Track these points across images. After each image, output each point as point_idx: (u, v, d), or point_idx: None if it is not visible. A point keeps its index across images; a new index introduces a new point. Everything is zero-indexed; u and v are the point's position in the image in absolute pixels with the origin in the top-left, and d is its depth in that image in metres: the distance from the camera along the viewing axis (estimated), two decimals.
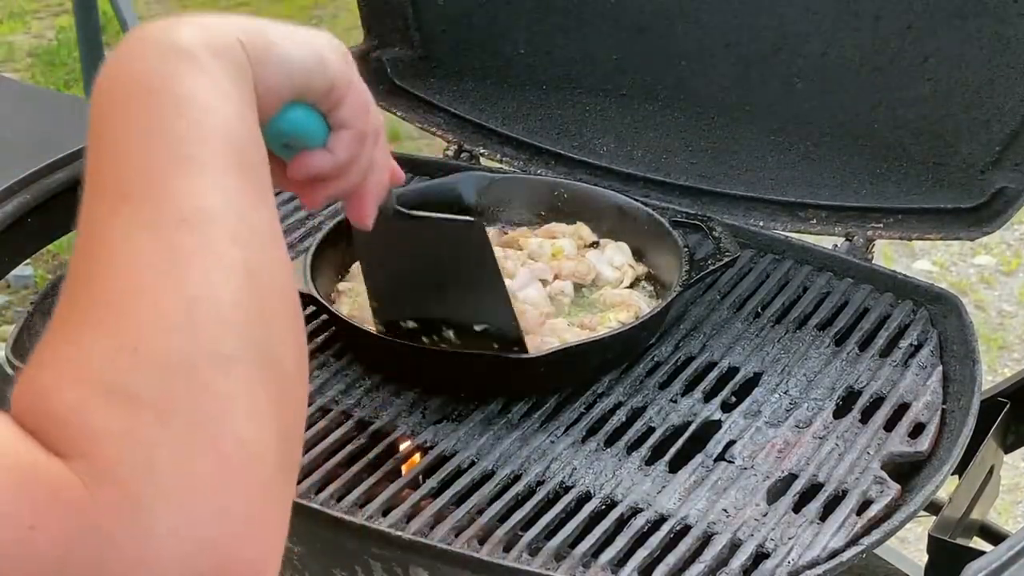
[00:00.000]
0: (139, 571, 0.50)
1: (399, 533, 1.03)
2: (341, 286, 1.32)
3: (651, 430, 1.18)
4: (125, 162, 0.62)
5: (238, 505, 0.53)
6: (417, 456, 1.16)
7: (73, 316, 0.58)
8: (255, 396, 0.56)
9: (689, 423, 1.19)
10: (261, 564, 0.54)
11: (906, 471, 1.15)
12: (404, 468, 1.16)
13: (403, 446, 1.18)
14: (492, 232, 1.42)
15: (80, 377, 0.54)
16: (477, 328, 1.16)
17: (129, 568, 0.50)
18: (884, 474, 1.12)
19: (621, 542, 1.05)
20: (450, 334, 1.18)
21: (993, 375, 3.25)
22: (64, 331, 0.58)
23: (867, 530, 1.06)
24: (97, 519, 0.50)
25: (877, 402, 1.22)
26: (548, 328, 1.24)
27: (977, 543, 1.33)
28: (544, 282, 1.31)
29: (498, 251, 1.35)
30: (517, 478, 1.12)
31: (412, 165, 1.65)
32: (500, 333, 1.16)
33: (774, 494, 1.11)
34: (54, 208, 1.47)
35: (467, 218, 1.13)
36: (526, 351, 1.16)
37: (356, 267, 1.33)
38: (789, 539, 1.05)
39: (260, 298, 0.59)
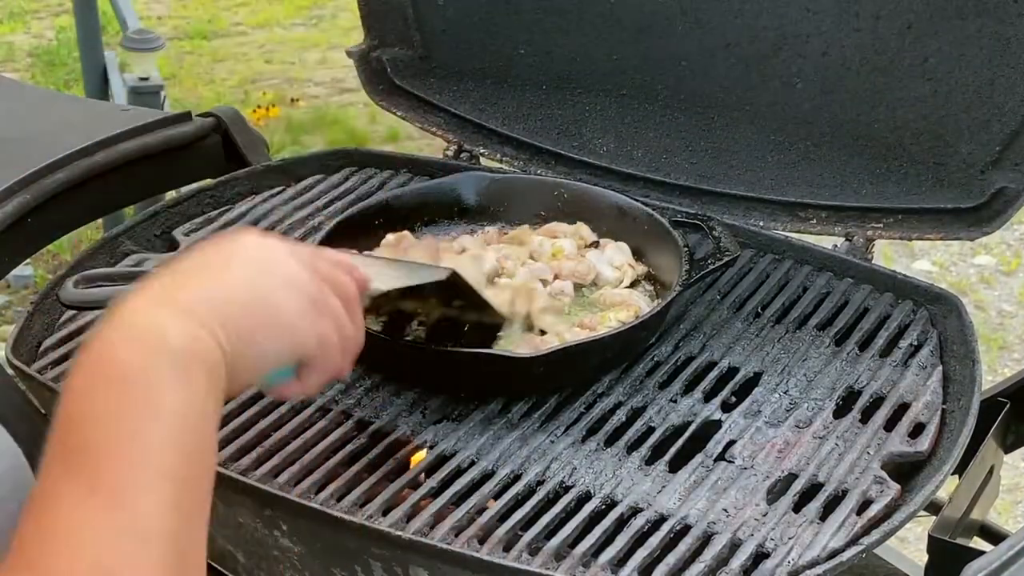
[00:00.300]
0: None
1: (399, 533, 1.03)
2: None
3: (651, 430, 1.18)
4: (102, 457, 0.69)
5: None
6: (417, 456, 1.16)
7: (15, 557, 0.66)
8: None
9: (689, 423, 1.19)
10: None
11: (906, 471, 1.15)
12: (404, 468, 1.16)
13: (403, 446, 1.18)
14: (492, 231, 1.43)
15: None
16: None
17: None
18: (884, 474, 1.12)
19: (621, 542, 1.05)
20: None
21: (993, 375, 3.26)
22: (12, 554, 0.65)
23: (867, 530, 1.06)
24: None
25: (877, 402, 1.22)
26: (548, 324, 1.24)
27: (977, 543, 1.33)
28: (544, 282, 1.31)
29: (498, 249, 1.36)
30: (517, 478, 1.12)
31: (412, 165, 1.65)
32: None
33: (774, 494, 1.11)
34: (54, 208, 1.47)
35: (442, 270, 1.13)
36: (500, 319, 1.18)
37: None
38: (789, 539, 1.05)
39: None
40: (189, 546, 0.70)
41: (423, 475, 1.13)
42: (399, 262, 1.16)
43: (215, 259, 0.83)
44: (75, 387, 0.72)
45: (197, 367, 0.74)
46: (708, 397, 1.23)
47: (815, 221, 1.47)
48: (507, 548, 1.05)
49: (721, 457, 1.15)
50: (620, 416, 1.20)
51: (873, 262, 1.43)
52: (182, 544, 0.69)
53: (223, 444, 1.15)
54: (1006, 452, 1.37)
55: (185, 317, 0.76)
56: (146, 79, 3.57)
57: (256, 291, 0.83)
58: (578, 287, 1.33)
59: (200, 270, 0.82)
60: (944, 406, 1.21)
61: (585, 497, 1.11)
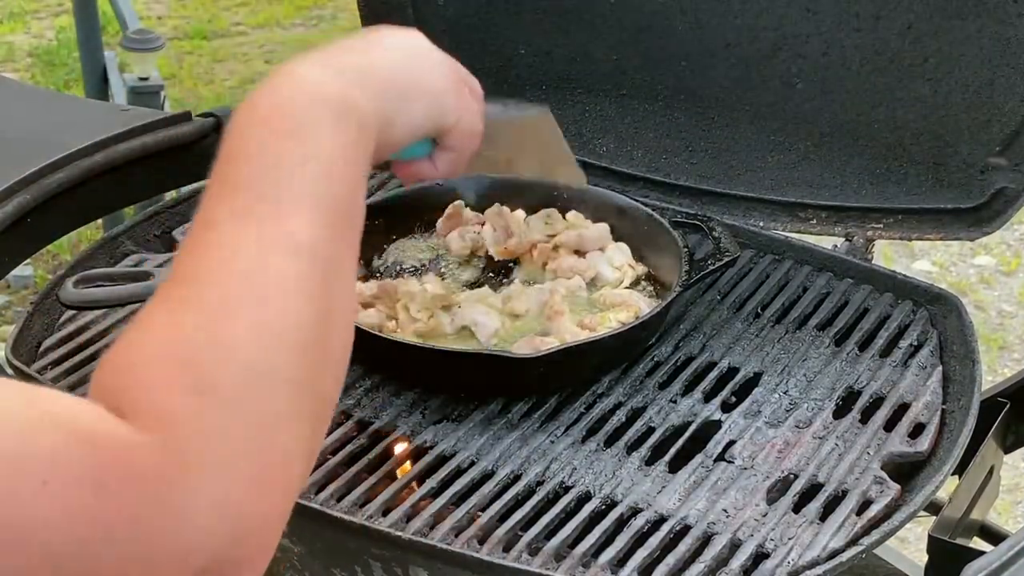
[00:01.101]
0: (177, 525, 0.58)
1: (399, 533, 1.03)
2: None
3: (651, 430, 1.18)
4: (256, 184, 0.72)
5: (264, 506, 0.62)
6: (417, 456, 1.16)
7: (175, 301, 0.67)
8: (303, 421, 0.66)
9: (689, 423, 1.19)
10: (261, 555, 0.63)
11: (906, 471, 1.15)
12: (404, 468, 1.16)
13: (403, 446, 1.18)
14: (492, 234, 1.43)
15: (169, 361, 0.63)
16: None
17: (170, 521, 0.58)
18: (884, 474, 1.12)
19: (621, 542, 1.05)
20: None
21: (993, 375, 3.25)
22: (166, 306, 0.66)
23: (867, 530, 1.06)
24: (156, 485, 0.58)
25: (877, 402, 1.22)
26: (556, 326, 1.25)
27: (977, 543, 1.33)
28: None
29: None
30: (517, 478, 1.12)
31: None
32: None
33: (774, 494, 1.11)
34: (54, 208, 1.47)
35: (535, 107, 1.20)
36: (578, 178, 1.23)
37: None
38: (789, 539, 1.05)
39: (329, 338, 0.69)
40: (336, 276, 0.71)
41: (423, 475, 1.13)
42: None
43: (364, 42, 0.89)
44: (236, 124, 0.76)
45: (350, 118, 0.78)
46: (708, 397, 1.23)
47: (815, 221, 1.47)
48: (507, 548, 1.05)
49: (721, 457, 1.15)
50: (620, 416, 1.20)
51: (873, 262, 1.43)
52: (330, 268, 0.71)
53: None
54: (1006, 452, 1.36)
55: (341, 76, 0.80)
56: (146, 79, 3.57)
57: (405, 64, 0.89)
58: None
59: (352, 48, 0.87)
60: (944, 406, 1.21)
61: (585, 497, 1.11)
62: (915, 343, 1.30)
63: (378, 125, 0.82)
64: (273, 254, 0.68)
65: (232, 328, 0.64)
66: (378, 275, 1.36)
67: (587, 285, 1.33)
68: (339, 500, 1.09)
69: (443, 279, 1.35)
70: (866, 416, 1.20)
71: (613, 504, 1.10)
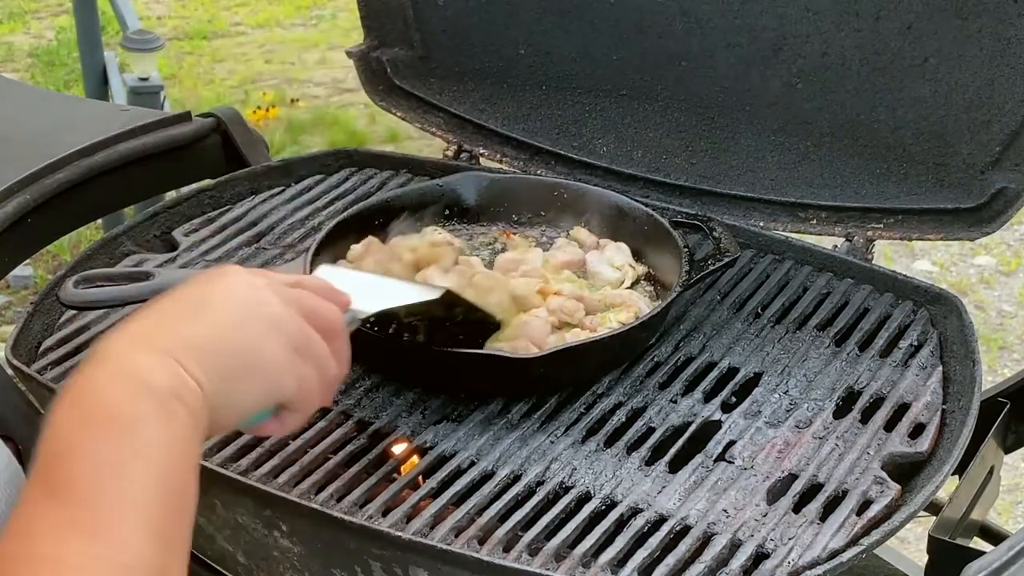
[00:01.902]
0: None
1: (399, 533, 1.03)
2: None
3: (651, 430, 1.18)
4: (83, 489, 0.69)
5: None
6: (417, 456, 1.16)
7: None
8: None
9: (689, 423, 1.19)
10: None
11: (906, 471, 1.15)
12: (404, 468, 1.16)
13: (403, 446, 1.17)
14: (495, 231, 1.43)
15: None
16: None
17: None
18: (884, 474, 1.12)
19: (621, 542, 1.05)
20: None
21: (993, 375, 3.26)
22: None
23: (867, 530, 1.06)
24: None
25: (877, 402, 1.22)
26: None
27: (977, 543, 1.33)
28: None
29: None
30: (517, 478, 1.12)
31: (412, 165, 1.65)
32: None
33: (774, 494, 1.11)
34: (54, 208, 1.47)
35: (435, 289, 1.12)
36: (496, 322, 1.19)
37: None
38: (789, 539, 1.05)
39: None
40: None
41: (423, 476, 1.13)
42: (390, 280, 1.15)
43: (199, 299, 0.84)
44: (58, 423, 0.73)
45: (179, 408, 0.75)
46: (708, 397, 1.23)
47: (815, 221, 1.47)
48: (507, 549, 1.05)
49: (721, 457, 1.15)
50: (620, 416, 1.20)
51: (873, 262, 1.43)
52: None
53: (223, 444, 1.15)
54: (1006, 452, 1.37)
55: (167, 359, 0.77)
56: (146, 79, 3.57)
57: (240, 336, 0.83)
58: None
59: (184, 310, 0.82)
60: (944, 406, 1.21)
61: (585, 498, 1.10)
62: (915, 343, 1.30)
63: (211, 406, 0.78)
64: (106, 573, 0.67)
65: None
66: None
67: (587, 286, 1.33)
68: (339, 500, 1.09)
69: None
70: (866, 416, 1.20)
71: (613, 504, 1.10)
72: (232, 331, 0.82)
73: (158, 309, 0.82)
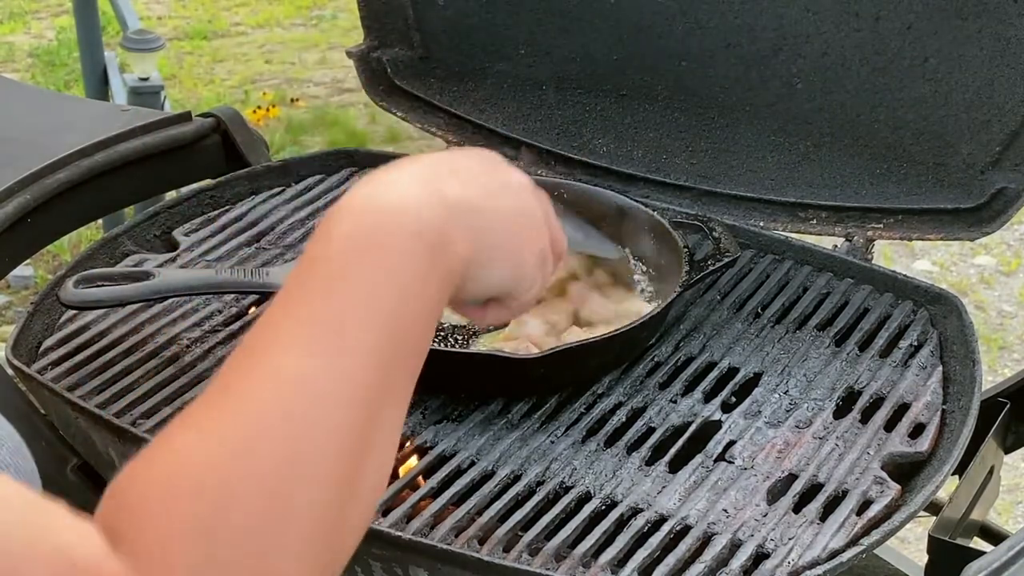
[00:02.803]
0: None
1: (399, 533, 1.03)
2: None
3: (651, 430, 1.18)
4: (324, 306, 0.68)
5: None
6: (417, 456, 1.16)
7: (203, 413, 0.65)
8: (314, 542, 0.62)
9: (689, 423, 1.19)
10: None
11: (906, 471, 1.15)
12: (404, 468, 1.16)
13: (403, 446, 1.17)
14: None
15: (177, 489, 0.60)
16: None
17: None
18: (884, 474, 1.12)
19: (621, 542, 1.05)
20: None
21: (993, 375, 3.25)
22: (188, 426, 0.64)
23: (867, 530, 1.06)
24: None
25: (877, 402, 1.22)
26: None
27: (977, 543, 1.33)
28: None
29: None
30: (517, 478, 1.12)
31: None
32: None
33: (774, 494, 1.11)
34: (54, 208, 1.47)
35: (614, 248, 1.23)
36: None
37: None
38: (789, 539, 1.05)
39: (360, 482, 0.66)
40: (378, 423, 0.68)
41: (423, 475, 1.13)
42: (577, 223, 1.17)
43: (492, 178, 0.84)
44: (326, 226, 0.72)
45: (441, 258, 0.74)
46: (708, 397, 1.23)
47: (815, 221, 1.47)
48: (507, 549, 1.05)
49: (721, 457, 1.15)
50: (620, 416, 1.20)
51: (873, 262, 1.43)
52: (375, 415, 0.67)
53: None
54: (1006, 452, 1.37)
55: (444, 208, 0.75)
56: (146, 79, 3.57)
57: (511, 225, 0.84)
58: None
59: (476, 179, 0.81)
60: (944, 406, 1.21)
61: (585, 497, 1.10)
62: (915, 343, 1.30)
63: (462, 273, 0.77)
64: (316, 390, 0.65)
65: (249, 467, 0.62)
66: None
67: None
68: None
69: None
70: (866, 416, 1.20)
71: (613, 504, 1.10)
72: (511, 215, 0.83)
73: (452, 161, 0.82)
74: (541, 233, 0.88)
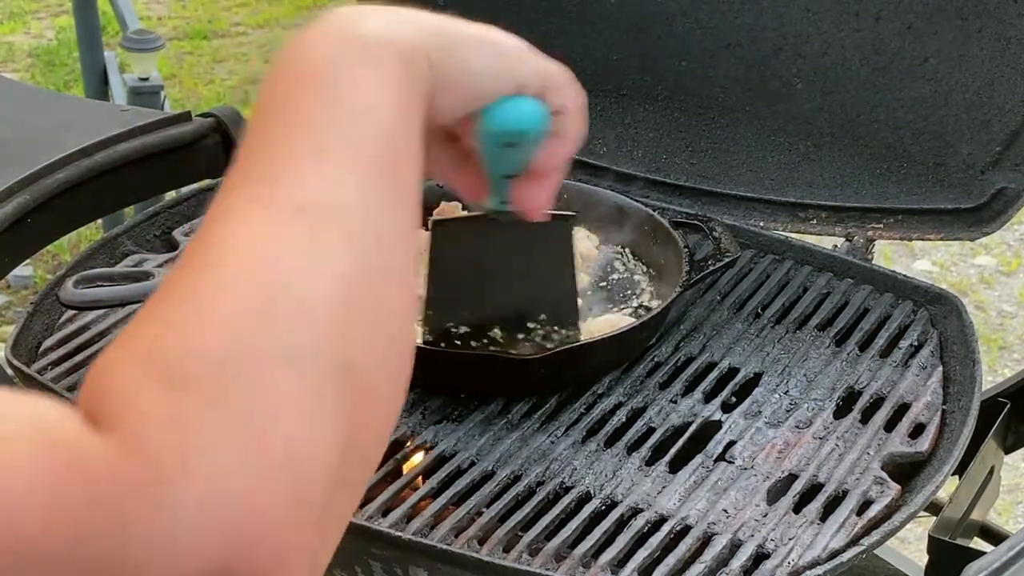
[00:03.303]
0: (148, 551, 0.49)
1: (399, 533, 1.03)
2: None
3: (651, 430, 1.18)
4: (268, 145, 0.60)
5: (267, 503, 0.51)
6: (417, 456, 1.16)
7: (162, 294, 0.56)
8: (320, 399, 0.53)
9: (689, 423, 1.19)
10: (278, 566, 0.51)
11: (906, 471, 1.15)
12: (404, 468, 1.16)
13: (403, 446, 1.17)
14: None
15: (141, 355, 0.53)
16: (531, 323, 1.17)
17: (139, 547, 0.49)
18: (884, 474, 1.12)
19: (621, 542, 1.05)
20: (497, 333, 1.18)
21: (993, 375, 3.25)
22: (149, 305, 0.56)
23: (867, 530, 1.06)
24: (116, 492, 0.49)
25: (877, 402, 1.22)
26: None
27: (977, 543, 1.33)
28: None
29: None
30: (517, 478, 1.12)
31: None
32: (557, 320, 1.17)
33: (774, 494, 1.11)
34: (54, 208, 1.47)
35: (567, 213, 1.13)
36: (578, 338, 1.17)
37: None
38: (789, 539, 1.05)
39: (358, 304, 0.57)
40: (375, 234, 0.58)
41: (423, 475, 1.13)
42: None
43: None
44: (259, 98, 0.63)
45: (390, 55, 0.64)
46: (708, 397, 1.23)
47: (815, 221, 1.47)
48: (507, 549, 1.05)
49: (721, 457, 1.15)
50: (620, 417, 1.20)
51: (873, 262, 1.43)
52: (367, 225, 0.58)
53: None
54: (1006, 452, 1.36)
55: (387, 21, 0.65)
56: (146, 79, 3.57)
57: (473, 27, 0.73)
58: None
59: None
60: (944, 406, 1.21)
61: (585, 498, 1.10)
62: (915, 343, 1.30)
63: (433, 67, 0.67)
64: (278, 218, 0.57)
65: (216, 303, 0.54)
66: None
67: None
68: None
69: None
70: (866, 416, 1.20)
71: (613, 504, 1.10)
72: (465, 23, 0.72)
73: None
74: (526, 50, 0.77)
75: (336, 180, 0.58)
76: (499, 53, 0.74)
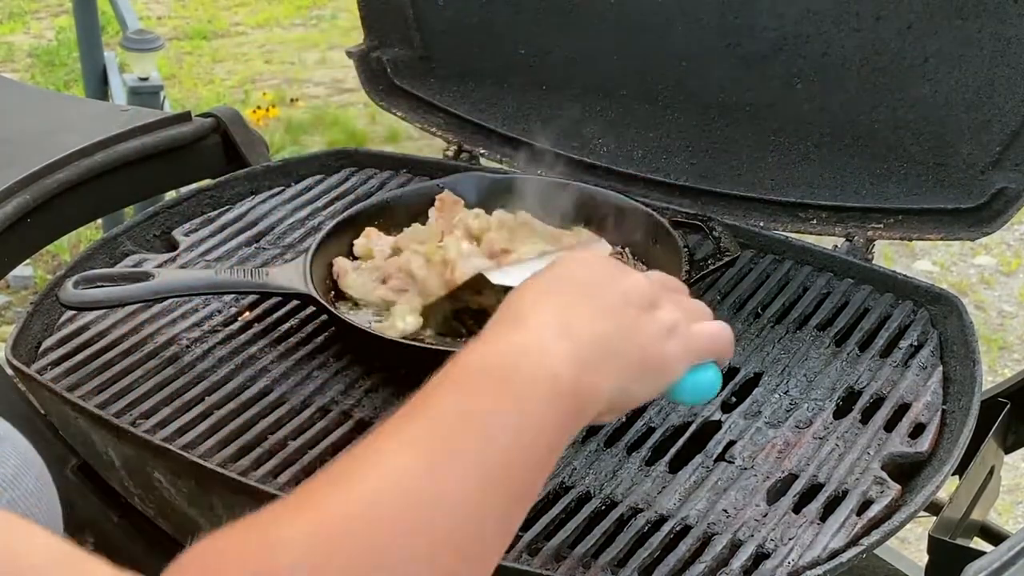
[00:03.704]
0: None
1: None
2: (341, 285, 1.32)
3: (651, 430, 1.18)
4: (443, 423, 0.70)
5: None
6: None
7: (296, 493, 0.66)
8: None
9: (689, 423, 1.19)
10: None
11: (906, 471, 1.15)
12: None
13: None
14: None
15: (263, 561, 0.60)
16: None
17: None
18: (884, 474, 1.12)
19: (621, 542, 1.05)
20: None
21: (993, 375, 3.25)
22: (287, 504, 0.65)
23: (867, 530, 1.06)
24: None
25: (877, 402, 1.22)
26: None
27: (977, 543, 1.33)
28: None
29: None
30: None
31: (412, 165, 1.65)
32: None
33: (774, 494, 1.11)
34: (54, 208, 1.47)
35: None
36: None
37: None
38: (789, 539, 1.05)
39: None
40: (482, 525, 0.68)
41: None
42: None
43: (606, 293, 0.83)
44: (454, 365, 0.74)
45: (571, 402, 0.75)
46: None
47: (815, 221, 1.47)
48: (507, 549, 1.04)
49: (721, 457, 1.15)
50: (620, 416, 1.20)
51: (873, 262, 1.43)
52: (473, 516, 0.68)
53: (222, 445, 1.15)
54: (1006, 452, 1.37)
55: (578, 362, 0.76)
56: (146, 79, 3.57)
57: (645, 339, 0.83)
58: None
59: (591, 300, 0.82)
60: (944, 406, 1.21)
61: (585, 497, 1.10)
62: (915, 343, 1.30)
63: (607, 399, 0.79)
64: (417, 496, 0.66)
65: (342, 545, 0.62)
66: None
67: None
68: None
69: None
70: (866, 416, 1.20)
71: (613, 504, 1.09)
72: (633, 330, 0.82)
73: (569, 283, 0.82)
74: (667, 322, 0.85)
75: (475, 482, 0.68)
76: (661, 370, 0.84)
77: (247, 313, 1.34)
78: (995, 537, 1.40)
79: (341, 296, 1.31)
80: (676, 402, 0.91)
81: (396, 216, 1.41)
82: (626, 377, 0.80)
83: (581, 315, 0.79)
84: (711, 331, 0.89)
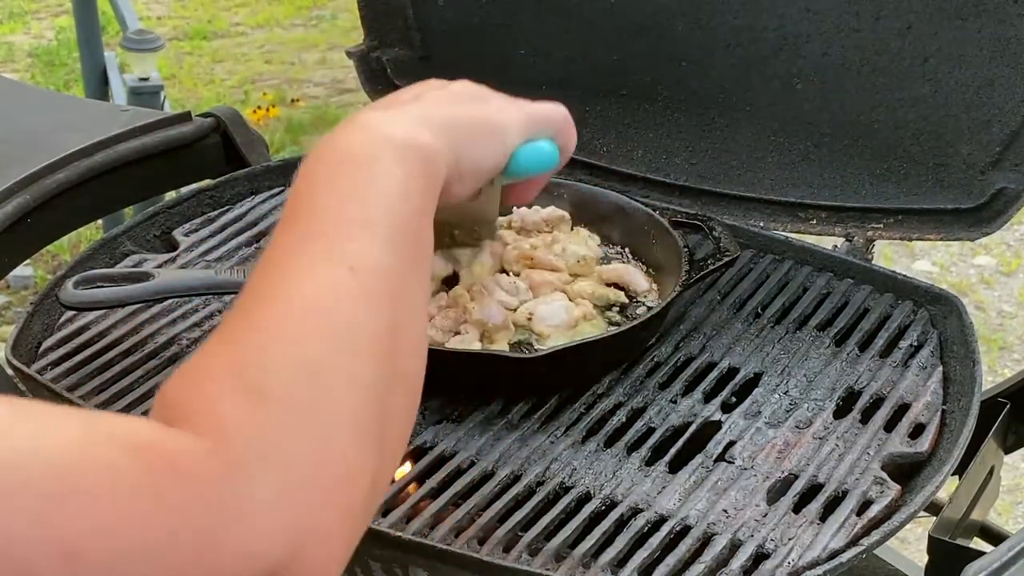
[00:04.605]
0: (236, 528, 0.58)
1: (399, 533, 1.03)
2: None
3: (651, 430, 1.18)
4: (322, 212, 0.75)
5: (322, 517, 0.61)
6: (417, 456, 1.16)
7: (237, 322, 0.68)
8: (367, 434, 0.65)
9: (689, 423, 1.19)
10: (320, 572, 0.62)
11: (906, 471, 1.15)
12: (404, 468, 1.16)
13: None
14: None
15: (223, 370, 0.64)
16: None
17: (228, 524, 0.58)
18: (884, 474, 1.12)
19: (621, 543, 1.05)
20: None
21: (993, 376, 3.26)
22: (224, 332, 0.68)
23: (867, 531, 1.06)
24: (206, 485, 0.58)
25: (877, 402, 1.22)
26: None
27: (977, 544, 1.33)
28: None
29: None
30: (517, 478, 1.12)
31: None
32: None
33: (774, 494, 1.11)
34: (54, 208, 1.47)
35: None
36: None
37: None
38: (789, 539, 1.05)
39: (397, 355, 0.70)
40: (402, 297, 0.72)
41: (423, 476, 1.13)
42: None
43: (423, 90, 0.93)
44: (304, 166, 0.79)
45: (414, 156, 0.80)
46: (708, 398, 1.23)
47: (815, 221, 1.47)
48: (507, 549, 1.05)
49: (721, 458, 1.15)
50: (620, 417, 1.20)
51: (873, 262, 1.43)
52: (396, 289, 0.72)
53: None
54: (1006, 453, 1.36)
55: (409, 119, 0.83)
56: (146, 79, 3.57)
57: (470, 107, 0.92)
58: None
59: (413, 97, 0.90)
60: (944, 407, 1.21)
61: (585, 498, 1.10)
62: (915, 343, 1.30)
63: (449, 162, 0.84)
64: (336, 273, 0.70)
65: (290, 332, 0.66)
66: None
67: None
68: None
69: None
70: (866, 416, 1.20)
71: (613, 504, 1.10)
72: (467, 109, 0.91)
73: (392, 97, 0.91)
74: (515, 107, 0.96)
75: (377, 249, 0.72)
76: (494, 132, 0.92)
77: None
78: (995, 537, 1.40)
79: None
80: (516, 177, 0.97)
81: None
82: (461, 136, 0.86)
83: (411, 105, 0.87)
84: (546, 105, 0.98)
